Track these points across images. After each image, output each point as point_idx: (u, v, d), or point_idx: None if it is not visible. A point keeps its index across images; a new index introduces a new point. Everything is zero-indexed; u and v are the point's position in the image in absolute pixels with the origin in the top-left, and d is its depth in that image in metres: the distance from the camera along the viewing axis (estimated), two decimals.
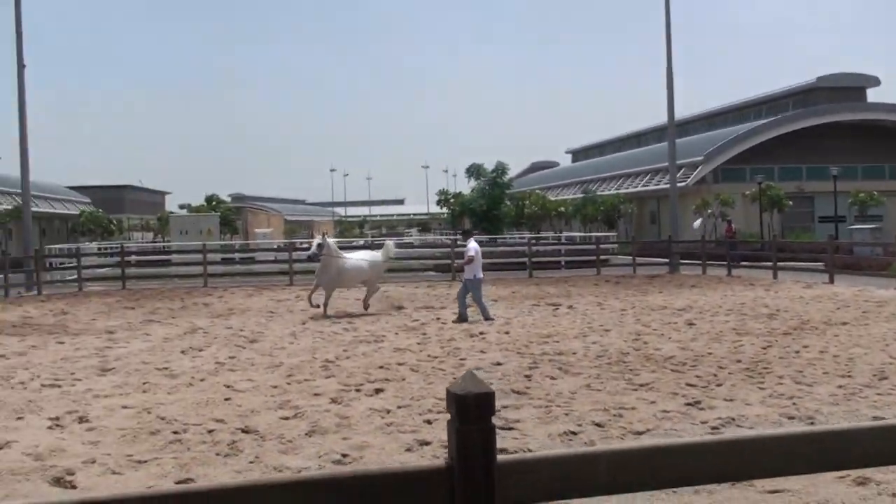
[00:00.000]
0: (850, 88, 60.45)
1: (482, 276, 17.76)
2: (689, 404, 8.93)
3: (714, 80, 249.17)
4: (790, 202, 51.92)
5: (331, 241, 19.75)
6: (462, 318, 17.08)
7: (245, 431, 8.06)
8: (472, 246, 17.82)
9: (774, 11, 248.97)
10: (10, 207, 55.27)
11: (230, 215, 66.89)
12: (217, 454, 7.30)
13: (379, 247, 23.76)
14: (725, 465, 2.85)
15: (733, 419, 8.19)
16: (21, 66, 31.67)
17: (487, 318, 17.04)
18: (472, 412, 2.66)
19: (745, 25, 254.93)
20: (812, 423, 8.01)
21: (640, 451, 2.84)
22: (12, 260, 31.10)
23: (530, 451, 7.20)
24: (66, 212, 75.66)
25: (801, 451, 2.90)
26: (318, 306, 18.76)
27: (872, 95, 61.65)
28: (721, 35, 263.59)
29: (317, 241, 19.18)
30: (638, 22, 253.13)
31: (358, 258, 20.34)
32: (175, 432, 8.06)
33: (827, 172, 48.61)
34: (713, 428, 7.87)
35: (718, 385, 9.99)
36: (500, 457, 2.70)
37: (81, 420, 8.67)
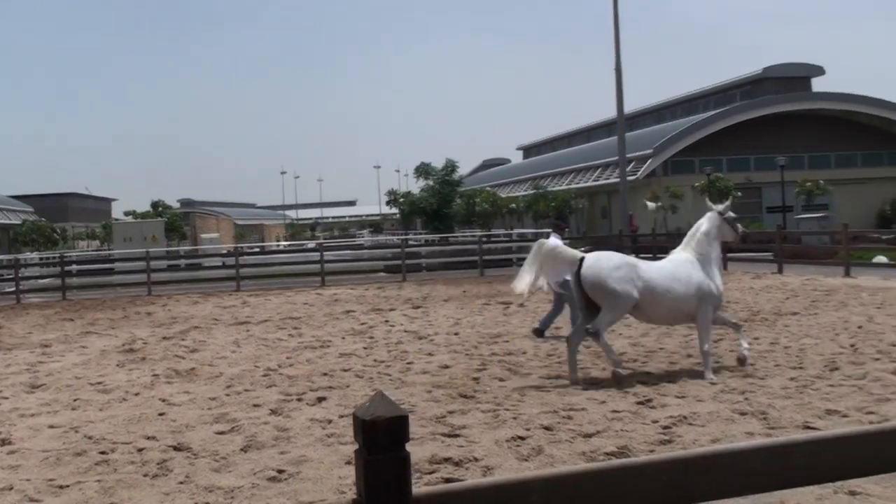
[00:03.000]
0: (795, 78, 61.29)
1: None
2: (640, 403, 8.68)
3: (663, 74, 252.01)
4: (739, 193, 52.32)
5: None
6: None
7: (177, 449, 7.63)
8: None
9: (721, 4, 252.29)
10: None
11: (177, 221, 65.79)
12: (145, 475, 6.87)
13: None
14: (674, 488, 2.54)
15: (685, 417, 7.94)
16: None
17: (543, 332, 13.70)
18: (381, 440, 2.32)
19: (693, 19, 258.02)
20: (765, 418, 7.81)
21: (577, 476, 2.52)
22: None
23: (475, 459, 6.89)
24: (7, 221, 73.97)
25: (761, 467, 2.61)
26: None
27: (817, 85, 62.54)
28: (669, 29, 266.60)
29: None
30: (586, 17, 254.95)
31: None
32: (102, 452, 7.59)
33: (774, 162, 49.11)
34: (665, 427, 7.61)
35: (670, 381, 9.77)
36: (416, 489, 2.37)
37: (3, 442, 8.16)
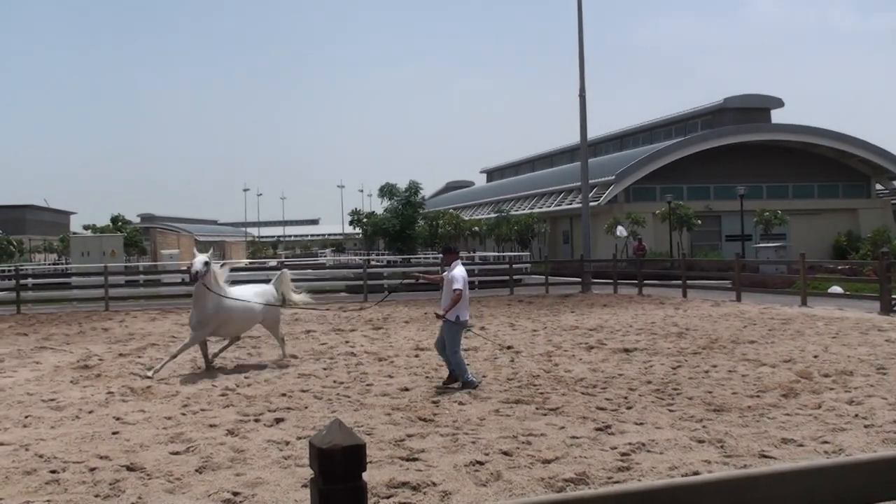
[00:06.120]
0: (755, 109, 62.21)
1: (468, 317, 12.29)
2: (598, 429, 8.70)
3: (625, 102, 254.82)
4: (699, 221, 52.92)
5: (216, 266, 14.39)
6: (465, 380, 11.54)
7: (130, 469, 7.51)
8: (459, 273, 11.87)
9: (684, 35, 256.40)
10: None
11: (137, 236, 65.07)
12: (96, 496, 6.74)
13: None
14: None
15: (644, 444, 7.97)
16: None
17: (467, 381, 11.51)
18: (338, 469, 2.29)
19: (656, 49, 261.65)
20: (722, 446, 7.86)
21: None
22: None
23: (434, 483, 6.85)
24: None
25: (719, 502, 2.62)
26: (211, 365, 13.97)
27: (776, 116, 63.52)
28: (632, 58, 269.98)
29: (201, 258, 13.85)
30: (552, 44, 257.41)
31: (247, 294, 14.55)
32: (53, 471, 7.45)
33: (734, 191, 49.76)
34: (623, 454, 7.63)
35: (629, 408, 9.80)
36: None
37: None
